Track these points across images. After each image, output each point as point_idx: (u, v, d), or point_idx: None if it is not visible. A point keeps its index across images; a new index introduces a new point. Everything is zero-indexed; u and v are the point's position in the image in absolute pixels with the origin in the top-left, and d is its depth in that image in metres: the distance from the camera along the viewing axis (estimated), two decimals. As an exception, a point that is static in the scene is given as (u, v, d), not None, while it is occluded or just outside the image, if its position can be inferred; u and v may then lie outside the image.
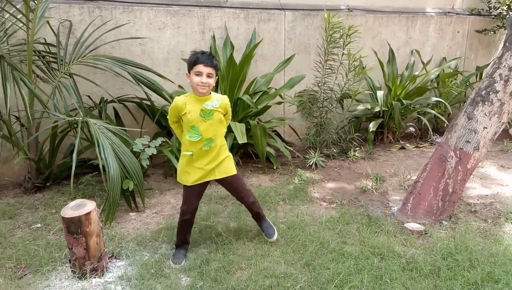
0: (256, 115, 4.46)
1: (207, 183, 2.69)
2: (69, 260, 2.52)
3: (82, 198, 3.35)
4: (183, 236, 2.77)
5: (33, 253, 2.74)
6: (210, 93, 2.56)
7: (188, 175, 2.59)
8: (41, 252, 2.74)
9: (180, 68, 4.47)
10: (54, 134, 3.66)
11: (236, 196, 2.84)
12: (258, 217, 2.92)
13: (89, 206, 2.47)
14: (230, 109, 2.70)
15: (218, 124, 2.58)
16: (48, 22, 3.80)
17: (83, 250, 2.44)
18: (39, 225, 3.16)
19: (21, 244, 2.84)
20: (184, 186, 2.64)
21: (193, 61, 2.42)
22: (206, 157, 2.57)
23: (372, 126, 4.99)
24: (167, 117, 2.67)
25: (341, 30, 4.49)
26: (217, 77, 2.54)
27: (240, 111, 4.41)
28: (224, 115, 2.63)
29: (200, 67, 2.40)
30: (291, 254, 2.77)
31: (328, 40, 4.51)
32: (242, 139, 3.70)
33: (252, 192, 2.93)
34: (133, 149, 3.47)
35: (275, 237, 2.88)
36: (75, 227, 2.39)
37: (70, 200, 2.79)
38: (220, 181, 2.72)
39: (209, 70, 2.41)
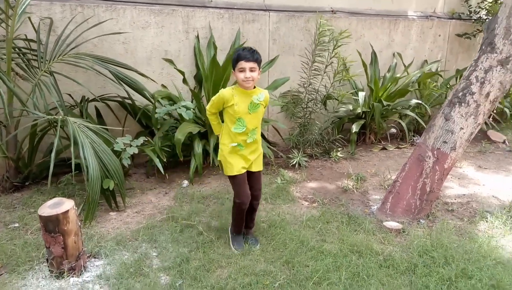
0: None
1: (248, 172, 2.78)
2: (47, 259, 2.49)
3: (62, 197, 3.31)
4: (242, 223, 2.86)
5: (10, 252, 2.70)
6: (255, 87, 2.66)
7: (232, 165, 2.68)
8: (18, 252, 2.71)
9: (164, 67, 4.46)
10: (33, 133, 3.61)
11: (254, 191, 2.82)
12: (251, 222, 2.96)
13: (67, 204, 2.45)
14: (268, 102, 2.80)
15: (260, 116, 2.71)
16: (29, 18, 3.75)
17: (61, 249, 2.42)
18: (16, 224, 3.11)
19: (-3, 244, 2.81)
20: (231, 177, 2.73)
21: (235, 58, 2.54)
22: (249, 148, 2.70)
23: (355, 127, 5.05)
24: (207, 107, 2.75)
25: (330, 34, 4.53)
26: (260, 70, 2.64)
27: (223, 111, 4.41)
28: (264, 108, 2.75)
29: (242, 63, 2.50)
30: (271, 252, 2.79)
31: (317, 42, 4.55)
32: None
33: None
34: (114, 148, 3.45)
35: (258, 246, 2.90)
36: (52, 226, 2.37)
37: (49, 200, 2.76)
38: (251, 173, 2.80)
39: (251, 64, 2.51)
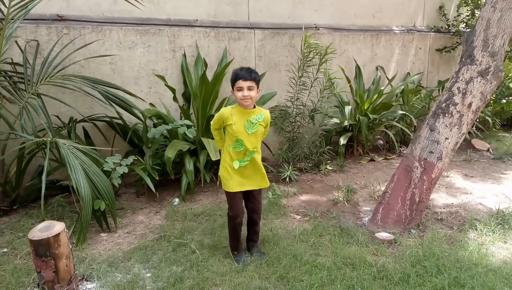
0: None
1: (247, 191, 2.81)
2: (37, 284, 2.44)
3: (51, 220, 3.26)
4: (238, 239, 2.91)
5: (-1, 279, 2.64)
6: (255, 106, 2.72)
7: (232, 181, 2.73)
8: (8, 278, 2.65)
9: (151, 86, 4.48)
10: (21, 156, 3.57)
11: (252, 208, 2.89)
12: (255, 235, 3.00)
13: (58, 227, 2.41)
14: (269, 122, 2.85)
15: (260, 137, 2.75)
16: (16, 42, 3.75)
17: (52, 273, 2.38)
18: (5, 249, 3.05)
19: (-14, 271, 2.74)
20: (227, 192, 2.78)
21: (234, 78, 2.64)
22: (247, 167, 2.74)
23: (342, 140, 5.12)
24: (211, 122, 2.82)
25: (316, 50, 4.62)
26: (259, 89, 2.71)
27: (212, 128, 4.43)
28: (264, 128, 2.80)
29: (240, 82, 2.58)
30: (265, 268, 2.78)
31: (303, 59, 4.63)
32: (215, 156, 3.73)
33: None
34: (104, 168, 3.43)
35: (265, 258, 2.91)
36: (43, 250, 2.33)
37: (38, 223, 2.72)
38: (250, 193, 2.84)
39: (249, 83, 2.59)
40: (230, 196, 2.78)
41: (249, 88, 2.58)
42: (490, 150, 5.84)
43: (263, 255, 2.93)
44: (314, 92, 4.82)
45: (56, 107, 3.92)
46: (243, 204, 2.84)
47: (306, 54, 4.61)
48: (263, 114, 2.73)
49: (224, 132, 2.84)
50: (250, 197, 2.86)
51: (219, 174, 2.87)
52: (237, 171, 2.73)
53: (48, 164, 3.00)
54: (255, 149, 2.72)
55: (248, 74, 2.58)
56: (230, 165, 2.73)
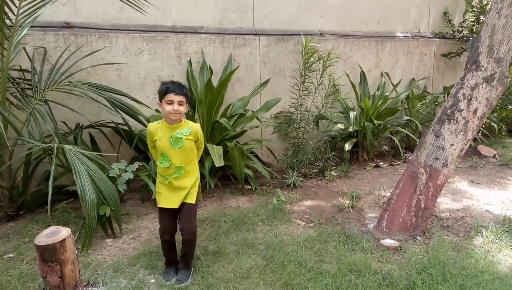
0: (234, 137, 4.52)
1: (176, 208, 2.70)
2: (43, 290, 2.46)
3: (57, 225, 3.28)
4: (167, 256, 2.82)
5: (5, 284, 2.66)
6: (181, 121, 2.65)
7: (160, 196, 2.70)
8: (14, 283, 2.66)
9: (157, 92, 4.50)
10: (28, 161, 3.60)
11: (183, 223, 2.70)
12: (185, 257, 2.81)
13: (64, 232, 2.43)
14: (201, 136, 2.76)
15: (189, 152, 2.66)
16: (24, 49, 3.80)
17: (58, 278, 2.39)
18: (11, 255, 3.07)
19: (-8, 276, 2.76)
20: (158, 207, 2.72)
21: (164, 90, 2.54)
22: (176, 182, 2.65)
23: (347, 146, 5.12)
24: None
25: (317, 55, 4.64)
26: (187, 105, 2.64)
27: (217, 134, 4.46)
28: (195, 142, 2.71)
29: (171, 96, 2.52)
30: (270, 275, 2.78)
31: (305, 64, 4.65)
32: (219, 162, 3.75)
33: (196, 235, 2.82)
34: (110, 174, 3.45)
35: (183, 284, 2.70)
36: (49, 255, 2.34)
37: (44, 228, 2.74)
38: (182, 204, 2.70)
39: (180, 98, 2.53)
40: (159, 211, 2.72)
41: (180, 103, 2.53)
42: (496, 156, 5.80)
43: (182, 282, 2.70)
44: (318, 97, 4.83)
45: (63, 113, 3.96)
46: (172, 223, 2.72)
47: (305, 59, 4.62)
48: (190, 127, 2.64)
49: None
50: (182, 211, 2.70)
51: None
52: (165, 186, 2.67)
53: (54, 170, 3.03)
54: (183, 165, 2.63)
55: (180, 90, 2.53)
56: (160, 180, 2.70)
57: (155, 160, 2.84)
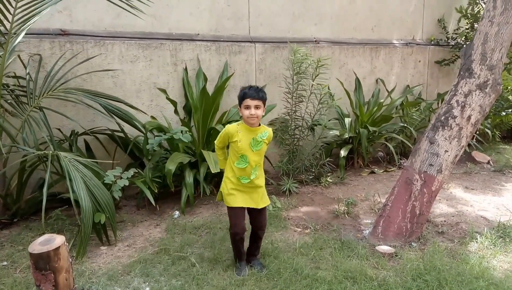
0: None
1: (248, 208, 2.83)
2: (37, 298, 2.43)
3: (51, 233, 3.26)
4: (241, 251, 2.93)
5: (-2, 292, 2.64)
6: (260, 125, 2.75)
7: (234, 197, 2.77)
8: (6, 291, 2.64)
9: (153, 99, 4.52)
10: (22, 169, 3.58)
11: (257, 225, 2.92)
12: (257, 249, 3.03)
13: (58, 240, 2.41)
14: (271, 140, 2.89)
15: (262, 154, 2.81)
16: (19, 56, 3.80)
17: (52, 287, 2.37)
18: (5, 263, 3.04)
19: (-15, 284, 2.73)
20: (230, 208, 2.80)
21: (241, 96, 2.68)
22: (251, 184, 2.77)
23: (343, 152, 5.14)
24: (215, 141, 2.85)
25: (308, 62, 4.67)
26: (265, 108, 2.75)
27: (213, 140, 4.44)
28: (266, 145, 2.83)
29: (248, 101, 2.63)
30: (265, 282, 2.77)
31: (296, 71, 4.67)
32: (215, 168, 3.74)
33: None
34: (105, 181, 3.44)
35: (265, 270, 2.92)
36: (43, 263, 2.32)
37: (38, 236, 2.72)
38: (255, 209, 2.84)
39: (256, 102, 2.64)
40: (233, 212, 2.79)
41: (256, 107, 2.63)
42: (491, 162, 5.84)
43: (263, 268, 2.93)
44: (311, 105, 4.85)
45: (58, 120, 3.95)
46: (244, 221, 2.84)
47: (296, 66, 4.63)
48: (267, 132, 2.77)
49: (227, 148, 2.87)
50: (255, 213, 2.87)
51: (220, 190, 2.89)
52: (241, 187, 2.76)
53: (49, 177, 3.01)
54: (258, 166, 2.76)
55: (256, 93, 2.64)
56: (233, 181, 2.76)
57: (219, 161, 2.97)
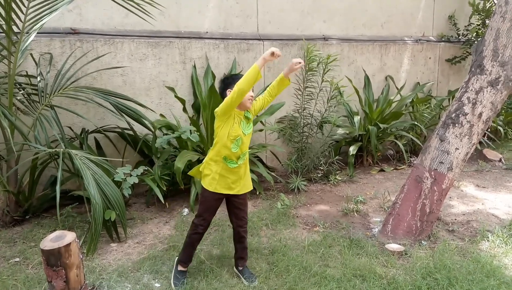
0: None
1: (223, 198, 2.70)
2: (49, 294, 2.47)
3: (62, 229, 3.30)
4: (191, 252, 2.79)
5: (11, 288, 2.68)
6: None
7: (217, 182, 2.61)
8: (19, 287, 2.68)
9: (162, 97, 4.54)
10: (34, 166, 3.63)
11: (237, 215, 2.76)
12: (244, 251, 2.85)
13: (69, 237, 2.44)
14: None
15: (250, 139, 2.72)
16: (31, 54, 3.84)
17: (63, 283, 2.40)
18: (17, 259, 3.09)
19: (-2, 280, 2.78)
20: (208, 192, 2.63)
21: (233, 79, 2.56)
22: (238, 168, 2.63)
23: (352, 150, 5.11)
24: (216, 110, 2.59)
25: (318, 59, 4.66)
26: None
27: (221, 138, 4.46)
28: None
29: None
30: (274, 279, 2.78)
31: (307, 68, 4.67)
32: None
33: None
34: (115, 179, 3.47)
35: (256, 282, 2.75)
36: (54, 259, 2.36)
37: (50, 233, 2.76)
38: (237, 196, 2.71)
39: None
40: (209, 197, 2.64)
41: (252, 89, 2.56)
42: (502, 160, 5.76)
43: (254, 277, 2.77)
44: (321, 102, 4.83)
45: (69, 118, 4.00)
46: (214, 215, 2.74)
47: (307, 64, 4.62)
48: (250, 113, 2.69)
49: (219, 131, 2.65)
50: (236, 203, 2.72)
51: (200, 169, 2.71)
52: (226, 171, 2.61)
53: (61, 175, 3.05)
54: (246, 151, 2.67)
55: None
56: (220, 165, 2.60)
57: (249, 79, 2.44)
